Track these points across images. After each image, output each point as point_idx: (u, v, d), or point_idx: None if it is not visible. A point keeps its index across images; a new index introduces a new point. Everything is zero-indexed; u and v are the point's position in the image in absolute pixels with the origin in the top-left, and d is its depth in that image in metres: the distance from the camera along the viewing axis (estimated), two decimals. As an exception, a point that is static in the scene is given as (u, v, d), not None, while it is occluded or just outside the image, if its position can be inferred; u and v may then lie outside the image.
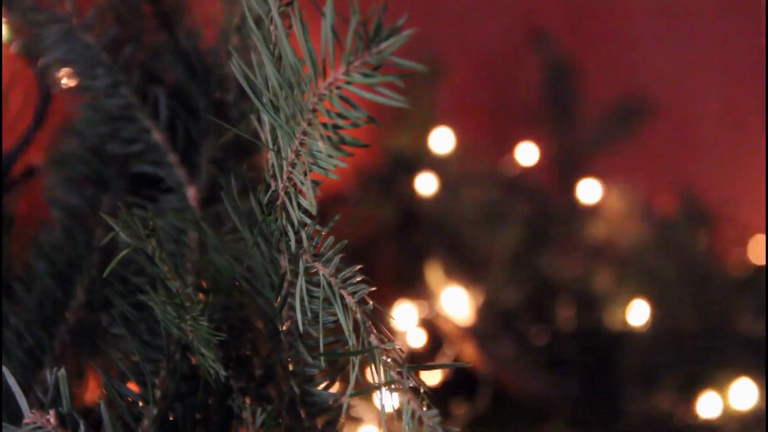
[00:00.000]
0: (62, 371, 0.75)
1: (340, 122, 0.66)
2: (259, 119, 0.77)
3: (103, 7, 1.04)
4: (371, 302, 0.74)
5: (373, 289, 0.74)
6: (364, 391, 0.74)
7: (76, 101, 1.04)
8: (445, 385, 1.54)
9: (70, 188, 1.04)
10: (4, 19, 1.03)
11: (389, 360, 0.71)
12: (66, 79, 1.02)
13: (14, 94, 1.13)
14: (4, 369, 0.76)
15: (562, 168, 1.94)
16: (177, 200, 0.99)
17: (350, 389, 0.74)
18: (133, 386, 0.84)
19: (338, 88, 0.64)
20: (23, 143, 1.09)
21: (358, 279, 0.74)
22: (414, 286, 1.61)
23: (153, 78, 1.03)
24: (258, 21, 0.75)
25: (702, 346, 1.69)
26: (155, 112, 1.00)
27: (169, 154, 0.99)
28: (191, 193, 0.98)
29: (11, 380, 0.76)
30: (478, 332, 1.59)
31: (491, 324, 1.62)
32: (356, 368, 0.74)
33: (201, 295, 0.86)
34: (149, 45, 1.07)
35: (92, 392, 1.02)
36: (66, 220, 1.02)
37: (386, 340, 0.72)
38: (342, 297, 0.74)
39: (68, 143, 1.06)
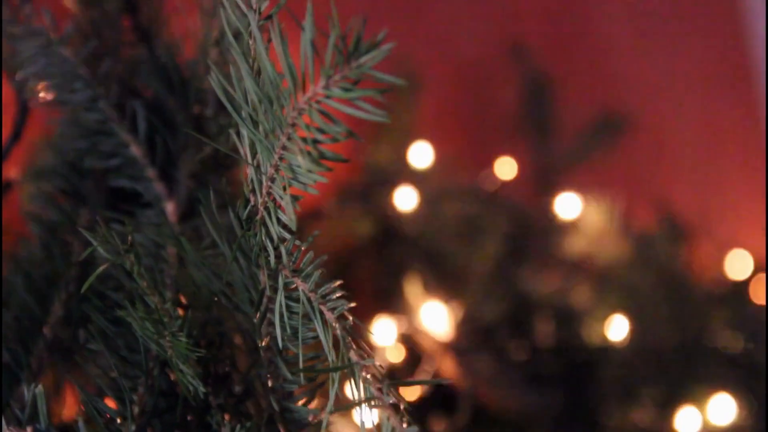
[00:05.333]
0: (40, 388, 0.75)
1: (320, 137, 0.66)
2: (238, 133, 0.76)
3: (81, 21, 1.04)
4: (351, 318, 0.74)
5: (353, 304, 0.73)
6: (344, 407, 0.73)
7: (54, 115, 1.03)
8: (424, 400, 1.54)
9: (48, 202, 1.03)
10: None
11: (369, 376, 0.71)
12: (43, 93, 1.01)
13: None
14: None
15: (541, 182, 1.94)
16: (155, 215, 0.98)
17: (330, 406, 0.74)
18: (111, 402, 0.84)
19: (318, 102, 0.64)
20: (0, 157, 1.08)
21: (337, 294, 0.74)
22: (393, 301, 1.60)
23: (131, 92, 1.02)
24: (237, 35, 0.75)
25: (680, 361, 1.69)
26: (134, 127, 0.99)
27: (148, 168, 0.99)
28: (170, 207, 0.97)
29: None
30: (457, 347, 1.59)
31: (470, 339, 1.61)
32: (336, 384, 0.74)
33: (180, 311, 0.85)
34: (127, 59, 1.06)
35: (70, 408, 1.02)
36: (43, 235, 1.01)
37: (366, 356, 0.72)
38: (321, 312, 0.74)
39: (46, 157, 1.06)
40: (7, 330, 0.95)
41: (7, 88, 1.07)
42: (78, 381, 0.90)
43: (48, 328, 0.96)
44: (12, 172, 1.11)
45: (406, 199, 1.66)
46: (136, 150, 0.99)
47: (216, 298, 0.86)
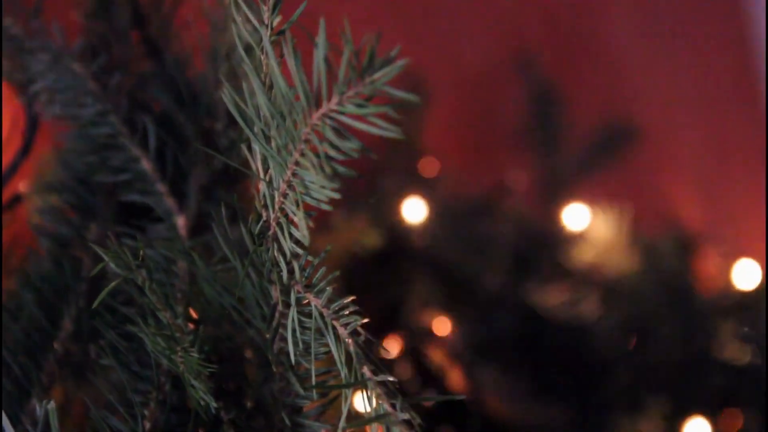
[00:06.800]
0: (52, 404, 0.74)
1: (333, 153, 0.65)
2: (249, 148, 0.76)
3: (90, 35, 1.04)
4: (364, 334, 0.73)
5: (366, 320, 0.73)
6: (357, 423, 0.73)
7: (63, 129, 1.03)
8: (432, 414, 1.53)
9: (57, 217, 1.03)
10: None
11: (382, 392, 0.71)
12: (53, 108, 1.01)
13: (0, 121, 1.13)
14: (-7, 402, 0.75)
15: (549, 193, 1.93)
16: (166, 229, 0.98)
17: (342, 422, 0.73)
18: (121, 418, 0.83)
19: (331, 118, 0.64)
20: (9, 171, 1.08)
21: (350, 310, 0.74)
22: (401, 314, 1.60)
23: (141, 106, 1.02)
24: (248, 49, 0.75)
25: (688, 372, 1.68)
26: (144, 141, 0.99)
27: (158, 183, 0.98)
28: (180, 222, 0.97)
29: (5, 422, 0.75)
30: (464, 360, 1.59)
31: (478, 351, 1.61)
32: (349, 400, 0.73)
33: (191, 326, 0.85)
34: (137, 73, 1.06)
35: (77, 423, 1.01)
36: (53, 249, 1.01)
37: (379, 372, 0.72)
38: (334, 328, 0.73)
39: (55, 172, 1.05)
40: (17, 345, 0.94)
41: (16, 102, 1.07)
42: (88, 396, 0.90)
43: (58, 342, 0.96)
44: (21, 185, 1.11)
45: (413, 211, 1.65)
46: (146, 164, 0.99)
47: (227, 313, 0.86)
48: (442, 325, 1.59)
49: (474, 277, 1.66)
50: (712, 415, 1.62)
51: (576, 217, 1.82)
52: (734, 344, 1.71)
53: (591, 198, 1.86)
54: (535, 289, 1.72)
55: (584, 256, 1.80)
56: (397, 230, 1.65)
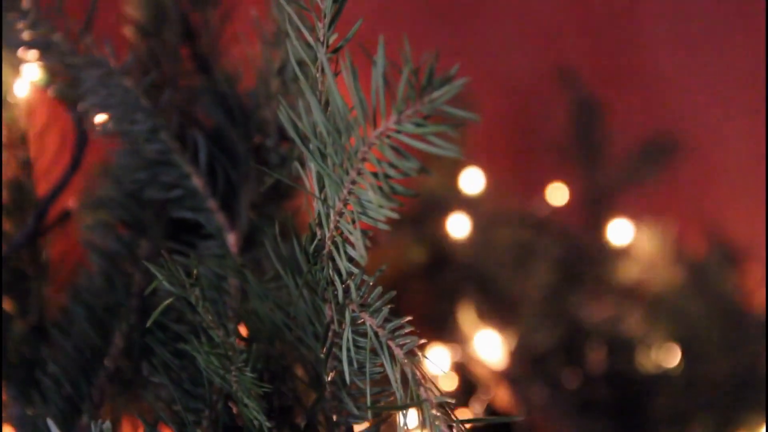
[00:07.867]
0: (107, 424, 0.74)
1: (391, 172, 0.65)
2: (302, 165, 0.76)
3: (140, 51, 1.04)
4: (420, 354, 0.73)
5: (424, 341, 0.72)
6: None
7: (114, 145, 1.03)
8: (477, 428, 1.52)
9: (108, 233, 1.03)
10: (41, 63, 1.02)
11: (439, 414, 0.70)
12: (104, 124, 1.01)
13: (51, 137, 1.13)
14: (49, 420, 0.75)
15: (592, 208, 1.92)
16: (217, 246, 0.97)
17: (398, 443, 0.73)
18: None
19: (389, 137, 0.63)
20: (59, 187, 1.08)
21: (407, 330, 0.73)
22: (446, 329, 1.59)
23: (191, 122, 1.02)
24: (301, 65, 0.74)
25: (733, 388, 1.67)
26: (194, 157, 0.99)
27: (209, 199, 0.98)
28: (231, 239, 0.97)
29: (56, 431, 0.75)
30: (510, 375, 1.58)
31: (524, 367, 1.60)
32: (404, 421, 0.73)
33: (243, 344, 0.85)
34: (187, 89, 1.06)
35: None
36: (104, 265, 1.01)
37: (434, 392, 0.71)
38: (390, 348, 0.73)
39: (105, 187, 1.05)
40: (68, 360, 0.94)
41: (66, 118, 1.07)
42: (138, 413, 0.90)
43: (109, 359, 0.96)
44: (70, 201, 1.11)
45: (457, 225, 1.65)
46: (196, 181, 0.98)
47: (280, 331, 0.85)
48: (487, 340, 1.58)
49: (519, 292, 1.66)
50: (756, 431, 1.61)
51: (620, 231, 1.81)
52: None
53: (635, 212, 1.85)
54: (579, 304, 1.71)
55: (629, 271, 1.79)
56: (442, 244, 1.64)
